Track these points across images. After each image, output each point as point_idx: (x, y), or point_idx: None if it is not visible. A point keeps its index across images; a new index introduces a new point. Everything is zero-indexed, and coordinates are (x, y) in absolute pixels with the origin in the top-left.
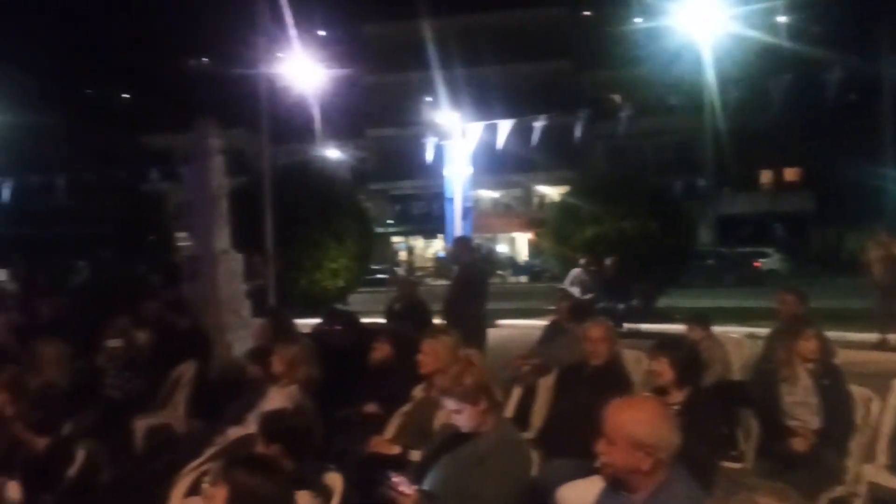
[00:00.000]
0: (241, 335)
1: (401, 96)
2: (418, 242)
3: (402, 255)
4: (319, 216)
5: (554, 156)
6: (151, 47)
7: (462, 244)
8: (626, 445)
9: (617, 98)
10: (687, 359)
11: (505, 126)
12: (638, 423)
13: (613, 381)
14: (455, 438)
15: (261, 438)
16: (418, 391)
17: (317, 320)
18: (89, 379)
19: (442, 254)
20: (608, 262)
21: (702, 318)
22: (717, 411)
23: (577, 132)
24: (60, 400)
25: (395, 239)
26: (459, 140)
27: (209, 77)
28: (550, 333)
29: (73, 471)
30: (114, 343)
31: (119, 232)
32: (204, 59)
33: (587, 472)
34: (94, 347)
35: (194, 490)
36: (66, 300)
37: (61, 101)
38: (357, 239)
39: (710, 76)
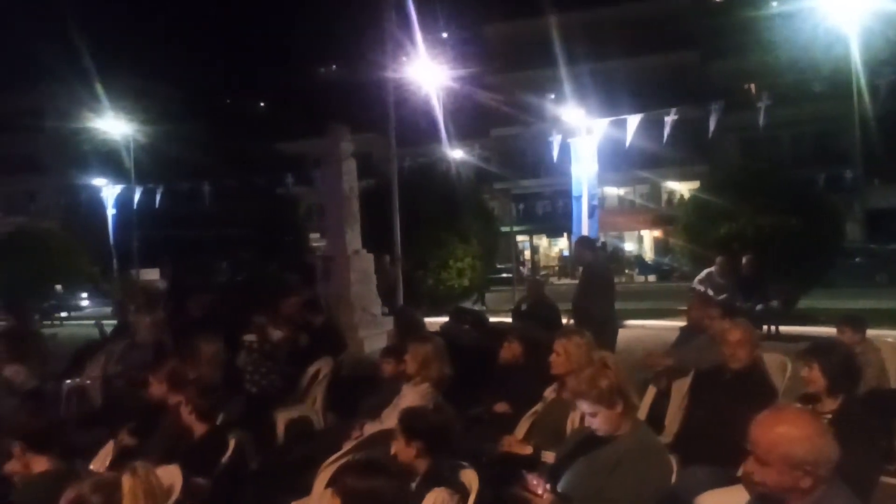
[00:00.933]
0: (372, 333)
1: (524, 94)
2: (542, 241)
3: (526, 254)
4: (445, 216)
5: (683, 150)
6: (285, 59)
7: (584, 244)
8: (781, 466)
9: (751, 87)
10: (841, 365)
11: (632, 121)
12: (794, 441)
13: (755, 387)
14: (590, 441)
15: (401, 435)
16: (549, 392)
17: (443, 319)
18: (234, 373)
19: (567, 252)
20: (744, 260)
21: (856, 321)
22: (874, 422)
23: (712, 124)
24: (216, 391)
25: (519, 238)
26: (585, 136)
27: (338, 84)
28: (686, 335)
29: (225, 458)
30: (250, 338)
31: (257, 234)
32: (333, 67)
33: (727, 480)
34: (237, 344)
35: (333, 482)
36: (211, 298)
37: (204, 111)
38: (482, 238)
39: (855, 59)
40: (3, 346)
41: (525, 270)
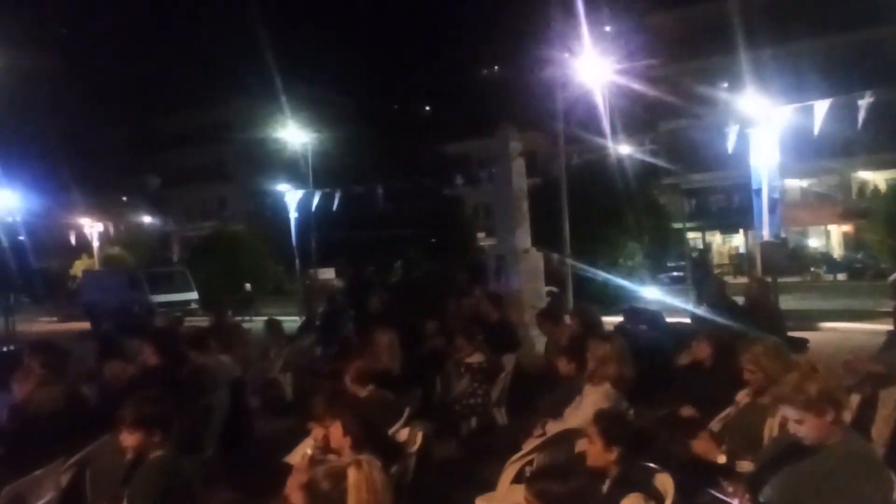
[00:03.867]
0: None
1: (694, 85)
2: (715, 238)
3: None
4: (614, 213)
5: (878, 136)
6: (447, 62)
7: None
8: None
9: None
10: None
11: (820, 107)
12: None
13: None
14: (794, 451)
15: (599, 439)
16: (742, 395)
17: (616, 318)
18: (415, 366)
19: (742, 249)
20: None
21: None
22: None
23: None
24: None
25: (690, 235)
26: (766, 126)
27: (501, 85)
28: (894, 339)
29: (413, 448)
30: (477, 360)
31: (426, 234)
32: (495, 68)
33: None
34: (416, 338)
35: (518, 478)
36: (388, 295)
37: (374, 117)
38: (652, 235)
39: None
40: (212, 339)
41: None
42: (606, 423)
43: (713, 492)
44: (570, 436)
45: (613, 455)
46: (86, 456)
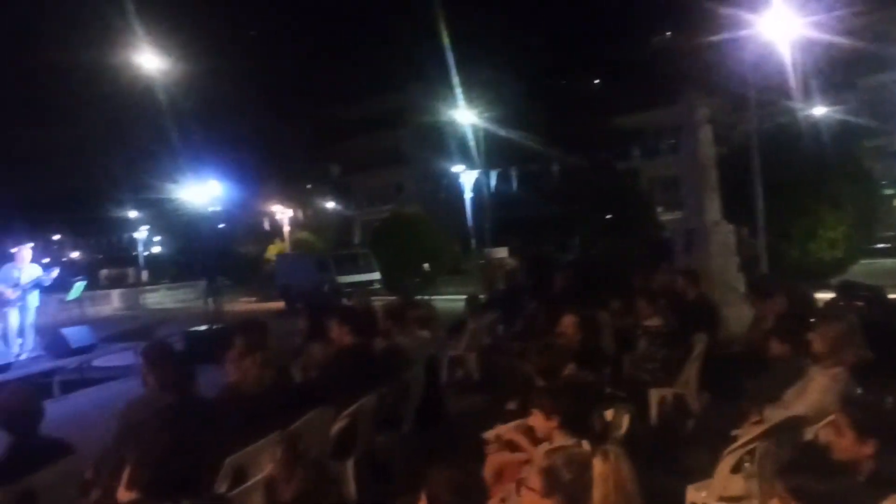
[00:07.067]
0: (735, 310)
1: None
2: None
3: None
4: (811, 181)
5: None
6: (617, 33)
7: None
8: None
9: None
10: None
11: None
12: None
13: None
14: None
15: (850, 431)
16: None
17: (819, 295)
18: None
19: None
20: None
21: None
22: None
23: None
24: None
25: None
26: None
27: (676, 51)
28: None
29: (619, 432)
30: (653, 323)
31: (602, 210)
32: (668, 35)
33: None
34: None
35: (737, 468)
36: (570, 273)
37: (543, 94)
38: (857, 203)
39: None
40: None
41: None
42: (858, 411)
43: None
44: (797, 423)
45: (869, 449)
46: (297, 430)
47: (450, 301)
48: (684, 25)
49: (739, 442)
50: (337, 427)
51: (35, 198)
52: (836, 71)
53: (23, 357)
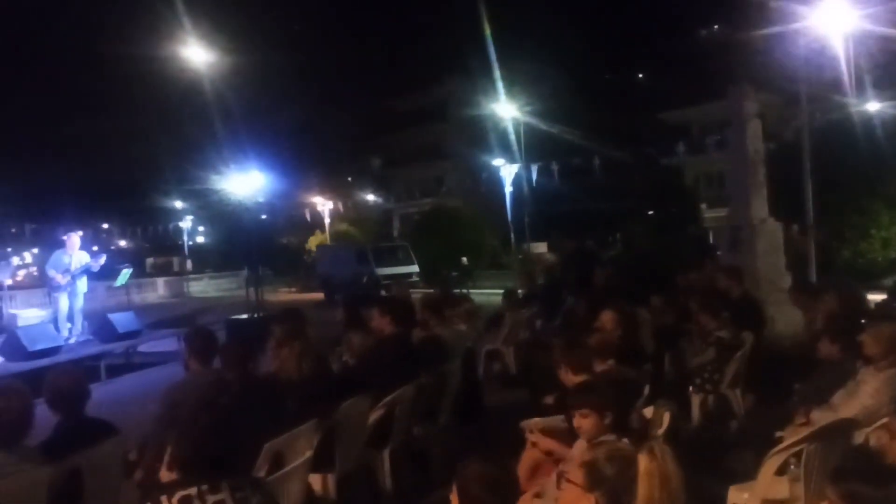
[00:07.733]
0: (782, 310)
1: None
2: None
3: None
4: (865, 179)
5: None
6: (662, 27)
7: None
8: None
9: None
10: None
11: None
12: None
13: None
14: None
15: None
16: None
17: (871, 296)
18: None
19: None
20: None
21: None
22: None
23: None
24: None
25: None
26: None
27: (723, 45)
28: None
29: (659, 430)
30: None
31: (645, 206)
32: (715, 28)
33: None
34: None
35: (781, 470)
36: (612, 269)
37: (586, 88)
38: None
39: None
40: (450, 309)
41: None
42: None
43: None
44: (847, 426)
45: None
46: (336, 418)
47: (488, 295)
48: (733, 18)
49: (785, 444)
50: (374, 416)
51: (86, 187)
52: (892, 65)
53: (72, 341)
